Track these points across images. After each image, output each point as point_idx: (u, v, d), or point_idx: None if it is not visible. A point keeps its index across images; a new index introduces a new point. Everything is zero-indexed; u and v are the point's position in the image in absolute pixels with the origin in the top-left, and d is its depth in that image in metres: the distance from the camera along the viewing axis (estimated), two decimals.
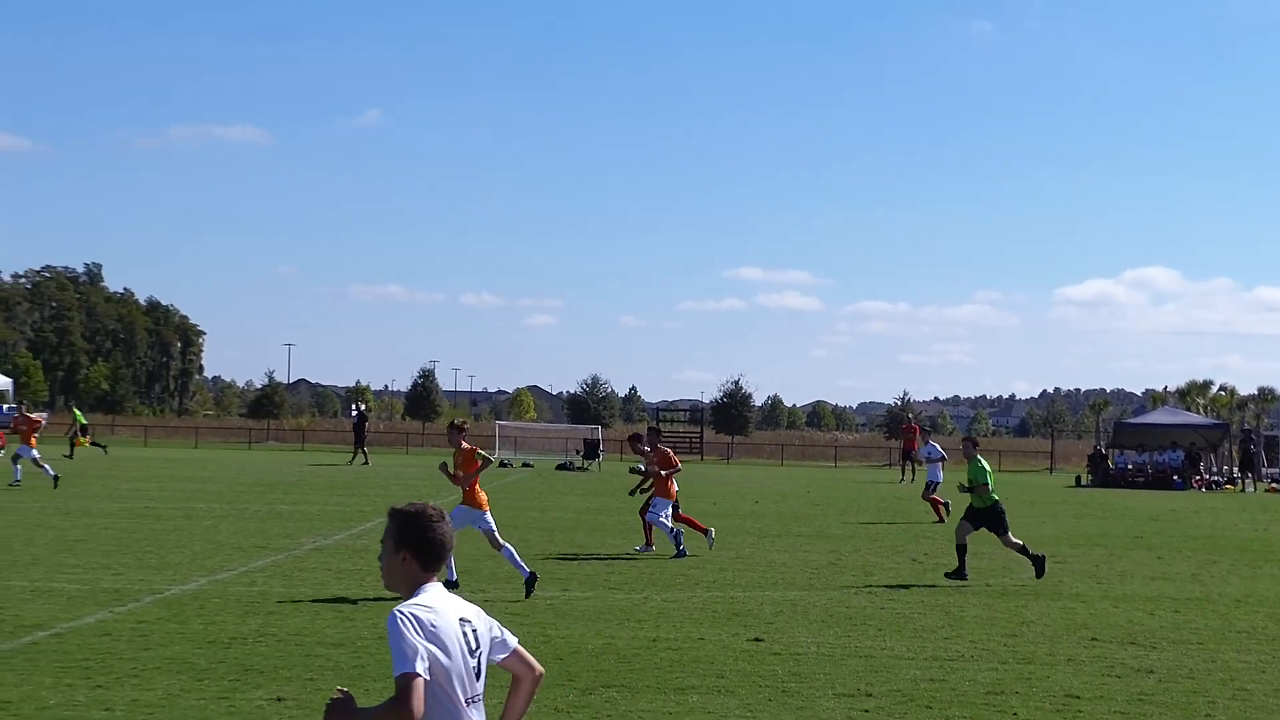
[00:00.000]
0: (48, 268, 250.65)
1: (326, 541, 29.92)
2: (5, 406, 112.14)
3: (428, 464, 74.38)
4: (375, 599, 21.37)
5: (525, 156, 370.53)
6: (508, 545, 23.03)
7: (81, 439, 78.21)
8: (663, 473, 29.96)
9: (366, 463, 72.34)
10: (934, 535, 36.11)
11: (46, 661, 15.59)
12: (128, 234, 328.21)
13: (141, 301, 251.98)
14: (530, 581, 22.14)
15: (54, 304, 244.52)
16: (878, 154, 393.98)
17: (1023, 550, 26.68)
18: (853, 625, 20.14)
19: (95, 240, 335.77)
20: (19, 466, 45.08)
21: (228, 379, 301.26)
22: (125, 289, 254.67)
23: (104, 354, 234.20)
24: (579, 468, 77.21)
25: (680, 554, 28.74)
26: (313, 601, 20.92)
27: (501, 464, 78.43)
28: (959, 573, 25.83)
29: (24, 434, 46.07)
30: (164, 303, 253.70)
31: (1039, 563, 26.43)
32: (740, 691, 15.25)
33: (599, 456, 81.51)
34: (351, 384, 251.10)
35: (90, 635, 17.34)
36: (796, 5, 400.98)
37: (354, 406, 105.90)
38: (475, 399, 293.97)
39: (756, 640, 18.47)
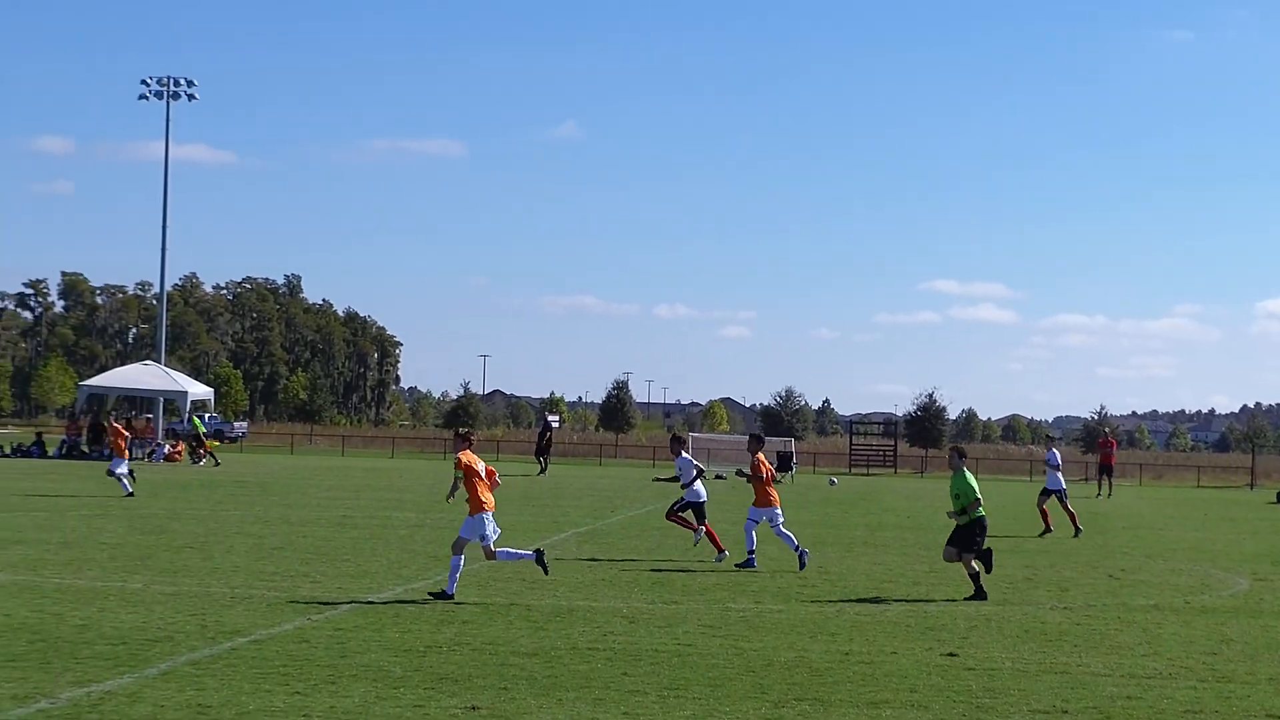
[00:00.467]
0: (248, 279, 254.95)
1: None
2: (208, 415, 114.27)
3: (621, 475, 74.79)
4: (569, 608, 21.47)
5: (719, 167, 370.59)
6: (459, 558, 22.53)
7: (209, 443, 79.29)
8: (761, 479, 29.48)
9: (543, 472, 72.90)
10: (1130, 550, 35.63)
11: (246, 667, 15.82)
12: (327, 246, 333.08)
13: (340, 313, 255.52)
14: (444, 595, 22.23)
15: (254, 315, 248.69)
16: (1075, 164, 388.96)
17: (974, 577, 25.07)
18: (1048, 641, 19.91)
19: (295, 252, 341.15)
20: (126, 481, 44.82)
21: (423, 389, 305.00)
22: (324, 300, 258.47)
23: (303, 364, 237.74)
24: None
25: (748, 563, 28.39)
26: (507, 611, 21.04)
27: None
28: (978, 594, 24.69)
29: (116, 445, 46.32)
30: (362, 314, 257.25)
31: (978, 590, 24.89)
32: (934, 707, 15.13)
33: (792, 469, 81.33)
34: (545, 395, 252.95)
35: (288, 642, 17.57)
36: (991, 13, 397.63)
37: (545, 417, 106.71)
38: (668, 410, 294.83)
39: (951, 655, 18.34)
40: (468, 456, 22.87)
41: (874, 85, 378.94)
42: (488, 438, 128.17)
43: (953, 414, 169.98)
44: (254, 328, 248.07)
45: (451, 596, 22.06)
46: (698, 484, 30.47)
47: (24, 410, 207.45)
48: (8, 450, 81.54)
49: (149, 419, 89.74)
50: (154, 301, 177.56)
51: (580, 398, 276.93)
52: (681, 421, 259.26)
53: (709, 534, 29.97)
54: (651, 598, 23.22)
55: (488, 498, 22.72)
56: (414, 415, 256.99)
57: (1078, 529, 39.51)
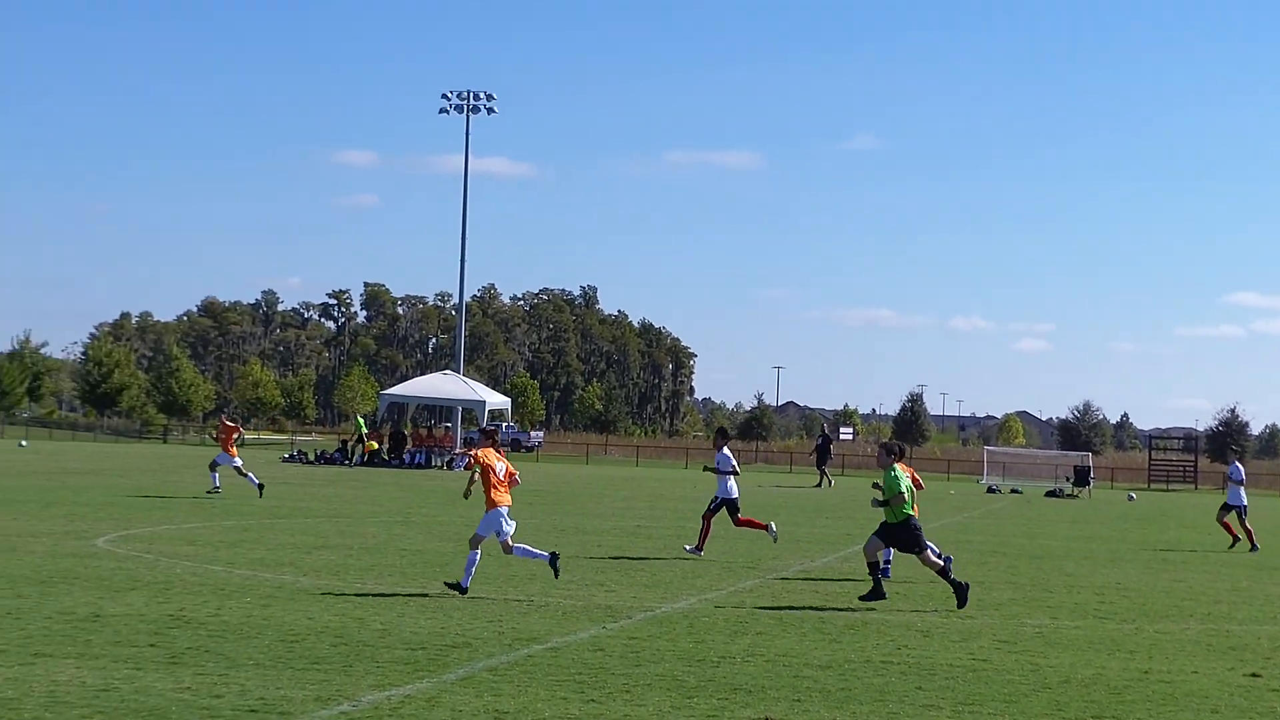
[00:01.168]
0: (545, 290, 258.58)
1: (813, 564, 30.06)
2: (505, 425, 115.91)
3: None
4: (863, 621, 21.37)
5: (1016, 177, 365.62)
6: (476, 553, 22.97)
7: (369, 444, 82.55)
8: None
9: (829, 484, 72.96)
10: None
11: (542, 674, 15.98)
12: (622, 257, 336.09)
13: (635, 324, 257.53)
14: (459, 587, 22.65)
15: (551, 325, 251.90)
16: None
17: (942, 572, 23.88)
18: None
19: (591, 263, 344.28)
20: (217, 474, 45.04)
21: (717, 401, 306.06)
22: (619, 311, 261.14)
23: (598, 375, 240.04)
24: (1069, 495, 76.04)
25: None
26: (800, 623, 21.02)
27: (989, 490, 77.89)
28: (874, 593, 23.54)
29: (223, 442, 46.10)
30: (656, 325, 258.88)
31: (960, 591, 23.59)
32: None
33: (1089, 484, 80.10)
34: (839, 407, 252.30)
35: (584, 650, 17.73)
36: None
37: (823, 429, 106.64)
38: (963, 423, 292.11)
39: (1254, 676, 17.93)
40: (485, 454, 23.39)
41: (1178, 84, 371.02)
42: (782, 449, 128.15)
43: (1255, 429, 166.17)
44: (550, 338, 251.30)
45: (465, 590, 22.58)
46: (731, 481, 31.59)
47: (327, 418, 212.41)
48: (312, 457, 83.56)
49: (448, 428, 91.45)
50: (453, 312, 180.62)
51: (874, 410, 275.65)
52: (976, 435, 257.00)
53: (705, 528, 31.20)
54: (945, 611, 23.02)
55: (501, 496, 23.22)
56: (708, 426, 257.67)
57: (1254, 545, 38.63)
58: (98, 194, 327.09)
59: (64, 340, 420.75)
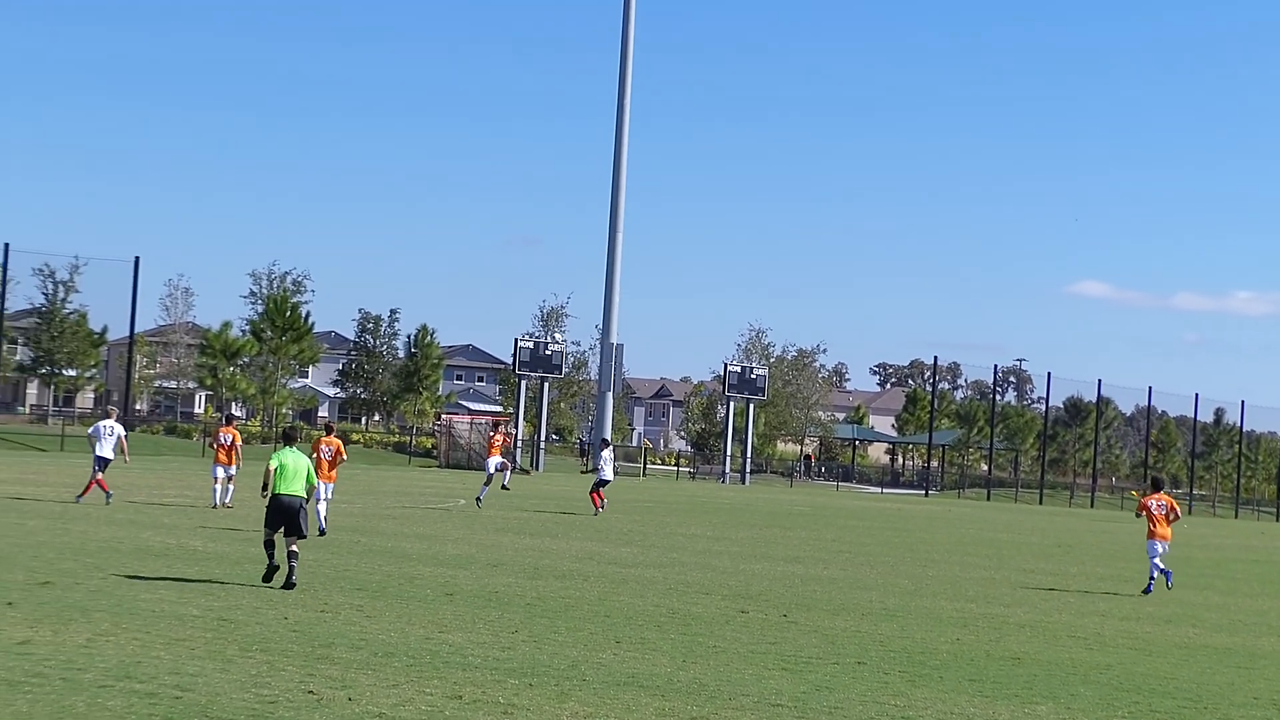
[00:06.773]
0: None
1: None
2: None
3: None
4: None
5: None
6: (320, 510, 32.18)
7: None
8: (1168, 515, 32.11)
9: None
10: None
11: None
12: None
13: None
14: (320, 531, 31.86)
15: None
16: None
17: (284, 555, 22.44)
18: None
19: None
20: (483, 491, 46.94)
21: None
22: None
23: None
24: None
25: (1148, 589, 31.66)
26: None
27: None
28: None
29: (491, 447, 49.28)
30: None
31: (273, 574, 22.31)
32: None
33: None
34: None
35: None
36: None
37: None
38: None
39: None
40: (329, 441, 34.39)
41: None
42: None
43: None
44: None
45: (324, 532, 31.69)
46: (607, 469, 46.87)
47: None
48: None
49: None
50: None
51: None
52: None
53: (594, 497, 46.57)
54: None
55: (324, 471, 33.02)
56: None
57: None
58: None
59: None
